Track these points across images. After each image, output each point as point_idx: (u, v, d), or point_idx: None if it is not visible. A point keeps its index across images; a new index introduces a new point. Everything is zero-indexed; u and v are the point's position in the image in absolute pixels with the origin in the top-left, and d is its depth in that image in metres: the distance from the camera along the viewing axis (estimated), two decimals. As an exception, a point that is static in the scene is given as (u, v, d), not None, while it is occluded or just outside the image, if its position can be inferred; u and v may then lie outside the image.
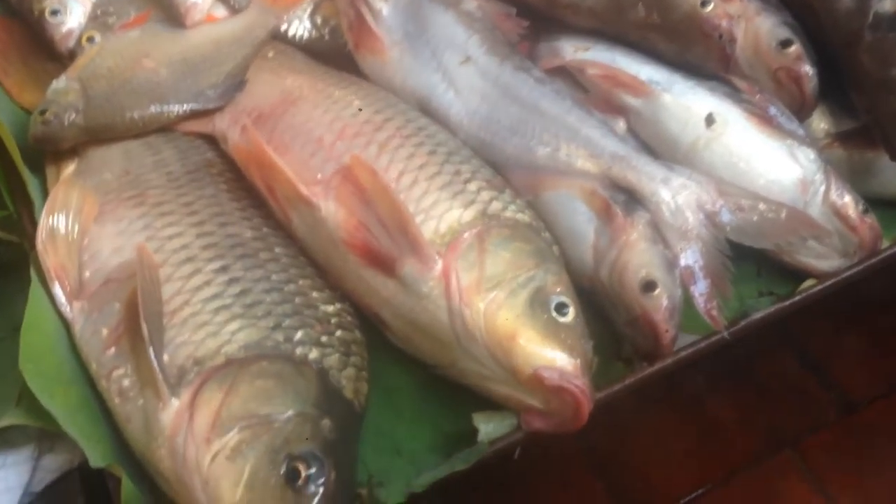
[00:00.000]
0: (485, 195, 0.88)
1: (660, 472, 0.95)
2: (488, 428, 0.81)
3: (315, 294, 0.85)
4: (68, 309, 0.83)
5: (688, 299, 0.87)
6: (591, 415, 0.77)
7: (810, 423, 0.99)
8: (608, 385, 0.84)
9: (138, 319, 0.75)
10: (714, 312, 0.86)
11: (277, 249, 0.88)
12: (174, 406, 0.74)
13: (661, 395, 0.98)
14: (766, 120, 0.98)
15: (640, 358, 0.88)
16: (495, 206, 0.87)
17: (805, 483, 0.95)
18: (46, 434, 0.87)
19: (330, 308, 0.85)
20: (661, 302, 0.85)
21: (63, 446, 0.87)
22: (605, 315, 0.90)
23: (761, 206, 0.89)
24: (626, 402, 0.83)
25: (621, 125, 1.00)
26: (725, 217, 0.89)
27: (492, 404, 0.83)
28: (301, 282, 0.85)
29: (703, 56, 1.01)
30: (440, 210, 0.85)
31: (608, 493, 0.95)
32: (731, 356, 0.95)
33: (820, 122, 1.07)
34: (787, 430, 0.99)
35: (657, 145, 0.99)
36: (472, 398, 0.84)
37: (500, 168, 0.94)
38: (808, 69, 1.01)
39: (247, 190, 0.93)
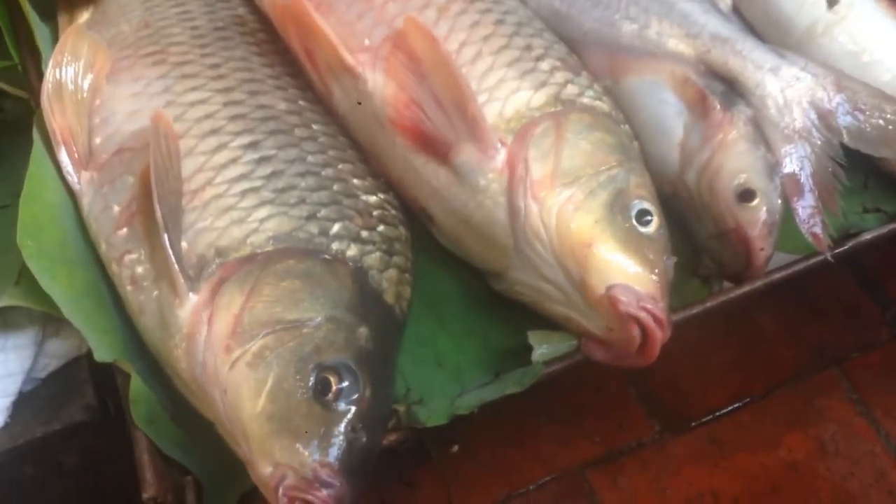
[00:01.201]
0: (559, 76, 0.77)
1: (696, 383, 0.92)
2: (544, 349, 0.73)
3: (356, 181, 0.75)
4: (75, 179, 0.74)
5: (787, 213, 0.77)
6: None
7: (860, 342, 0.95)
8: (684, 308, 0.74)
9: (153, 198, 0.65)
10: (817, 230, 0.75)
11: (315, 126, 0.77)
12: (192, 302, 0.65)
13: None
14: (899, 3, 0.87)
15: (723, 278, 0.78)
16: (570, 89, 0.76)
17: (848, 403, 0.91)
18: (52, 316, 0.79)
19: (372, 199, 0.75)
20: (759, 215, 0.75)
21: (70, 331, 0.80)
22: (685, 226, 0.80)
23: (886, 107, 0.78)
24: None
25: (726, 1, 0.88)
26: (842, 118, 0.78)
27: (548, 320, 0.74)
28: (340, 166, 0.75)
29: (829, -80, 0.88)
30: (506, 91, 0.75)
31: (640, 399, 0.91)
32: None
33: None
34: (834, 347, 0.94)
35: (766, 27, 0.88)
36: (526, 310, 0.75)
37: (576, 45, 0.83)
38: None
39: (282, 54, 0.83)
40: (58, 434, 0.80)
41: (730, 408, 0.90)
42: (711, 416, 0.90)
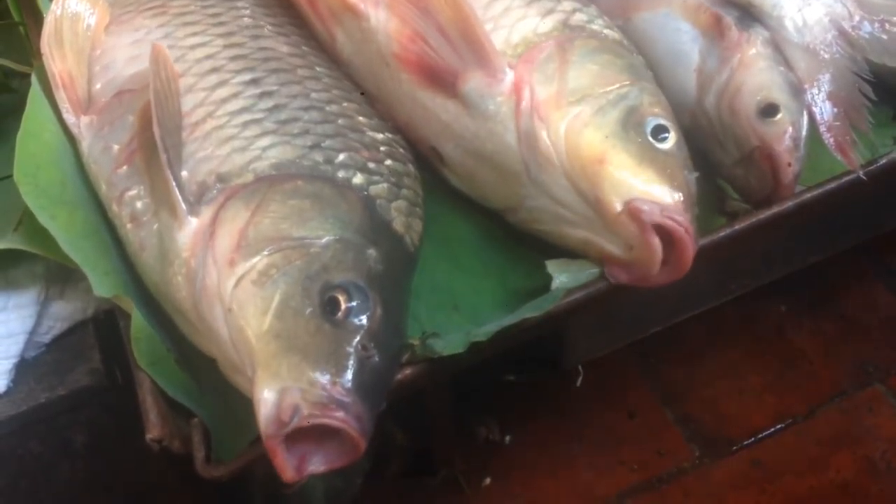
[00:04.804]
0: (566, 4, 0.75)
1: (734, 405, 0.89)
2: (564, 278, 0.69)
3: (362, 119, 0.73)
4: (75, 122, 0.71)
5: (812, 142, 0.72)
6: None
7: (903, 355, 0.92)
8: (712, 231, 0.70)
9: (153, 121, 0.63)
10: (846, 147, 0.70)
11: (319, 69, 0.76)
12: (192, 225, 0.63)
13: (736, 324, 0.91)
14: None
15: (751, 207, 0.74)
16: (579, 17, 0.74)
17: (896, 420, 0.87)
18: (55, 277, 0.78)
19: (379, 136, 0.72)
20: (784, 128, 0.71)
21: (74, 293, 0.78)
22: (707, 160, 0.76)
23: (909, 19, 0.75)
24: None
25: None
26: (866, 33, 0.73)
27: (567, 255, 0.70)
28: (345, 104, 0.73)
29: None
30: (512, 18, 0.73)
31: (677, 423, 0.88)
32: (815, 284, 0.89)
33: None
34: (876, 362, 0.91)
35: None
36: (543, 249, 0.72)
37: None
38: None
39: (284, 8, 0.81)
40: (62, 400, 0.77)
41: (772, 429, 0.86)
42: (753, 439, 0.86)
